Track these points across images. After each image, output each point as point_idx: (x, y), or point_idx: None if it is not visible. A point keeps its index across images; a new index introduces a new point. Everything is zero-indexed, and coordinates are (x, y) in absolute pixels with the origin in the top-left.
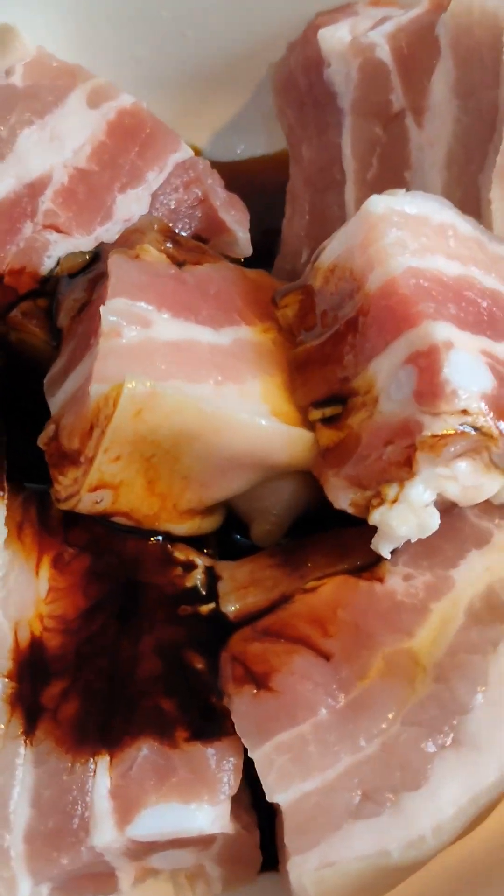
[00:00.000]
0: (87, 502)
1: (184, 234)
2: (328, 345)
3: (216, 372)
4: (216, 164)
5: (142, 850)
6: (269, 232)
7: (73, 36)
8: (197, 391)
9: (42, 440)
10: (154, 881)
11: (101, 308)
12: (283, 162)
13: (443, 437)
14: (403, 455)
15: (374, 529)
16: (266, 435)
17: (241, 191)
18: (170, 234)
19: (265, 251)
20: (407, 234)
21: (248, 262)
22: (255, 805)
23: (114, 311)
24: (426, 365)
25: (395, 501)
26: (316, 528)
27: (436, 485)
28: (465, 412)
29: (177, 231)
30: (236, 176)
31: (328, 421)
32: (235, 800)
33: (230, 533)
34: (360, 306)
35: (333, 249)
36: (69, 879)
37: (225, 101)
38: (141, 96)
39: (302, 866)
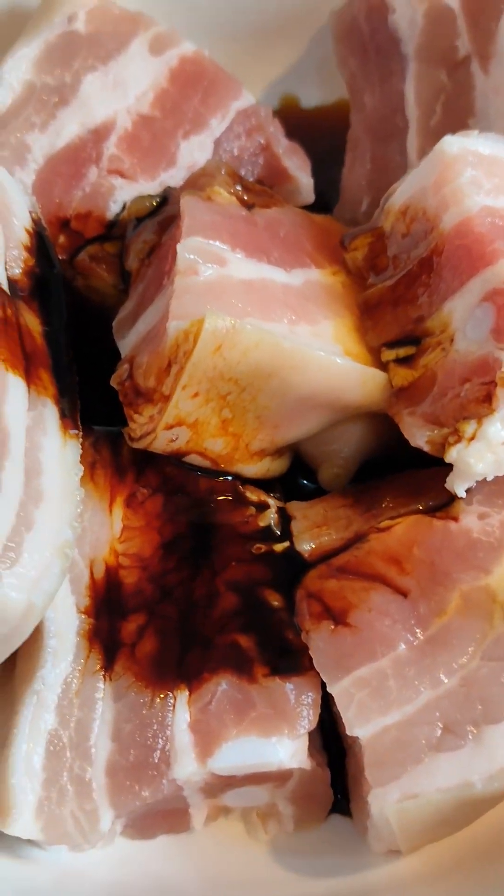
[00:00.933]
0: (163, 440)
1: (248, 180)
2: (400, 286)
3: (289, 312)
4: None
5: (219, 786)
6: (325, 181)
7: None
8: (273, 329)
9: (115, 380)
10: (225, 820)
11: (178, 246)
12: (339, 111)
13: None
14: (483, 391)
15: (445, 470)
16: (342, 373)
17: (298, 139)
18: (238, 178)
19: (321, 201)
20: (481, 174)
21: (306, 210)
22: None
23: (190, 249)
24: None
25: (472, 439)
26: (381, 474)
27: None
28: None
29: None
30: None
31: (402, 361)
32: (310, 738)
33: (296, 477)
34: (433, 246)
35: (405, 191)
36: (143, 817)
37: (280, 50)
38: (198, 44)
39: (384, 798)
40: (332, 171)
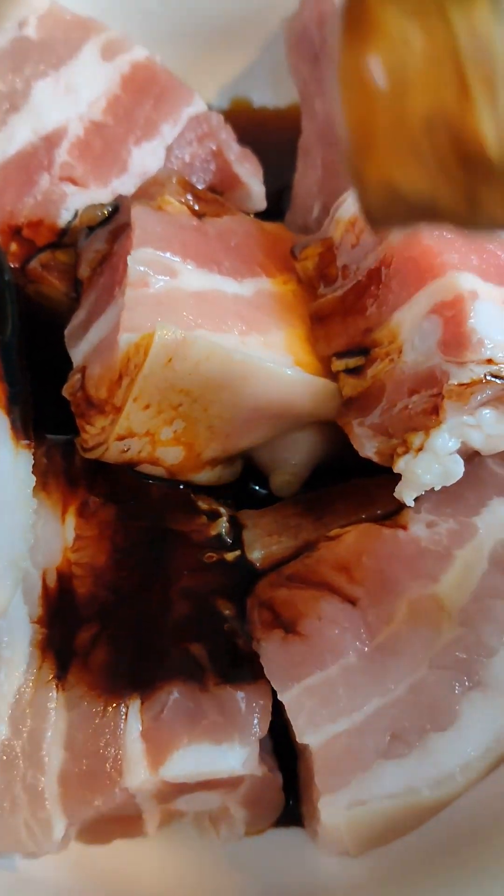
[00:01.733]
0: (115, 451)
1: (199, 186)
2: (350, 296)
3: (240, 323)
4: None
5: (171, 792)
6: (275, 186)
7: None
8: (224, 341)
9: (67, 390)
10: (179, 824)
11: (129, 257)
12: (291, 115)
13: (469, 385)
14: (430, 404)
15: (394, 479)
16: (292, 384)
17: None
18: (188, 187)
19: (271, 205)
20: None
21: (258, 216)
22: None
23: (141, 260)
24: (452, 315)
25: (420, 450)
26: (332, 480)
27: (460, 433)
28: (490, 361)
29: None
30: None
31: (351, 371)
32: (261, 743)
33: (247, 483)
34: (382, 257)
35: (354, 202)
36: (97, 822)
37: (233, 55)
38: (150, 49)
39: (333, 805)
40: (285, 174)
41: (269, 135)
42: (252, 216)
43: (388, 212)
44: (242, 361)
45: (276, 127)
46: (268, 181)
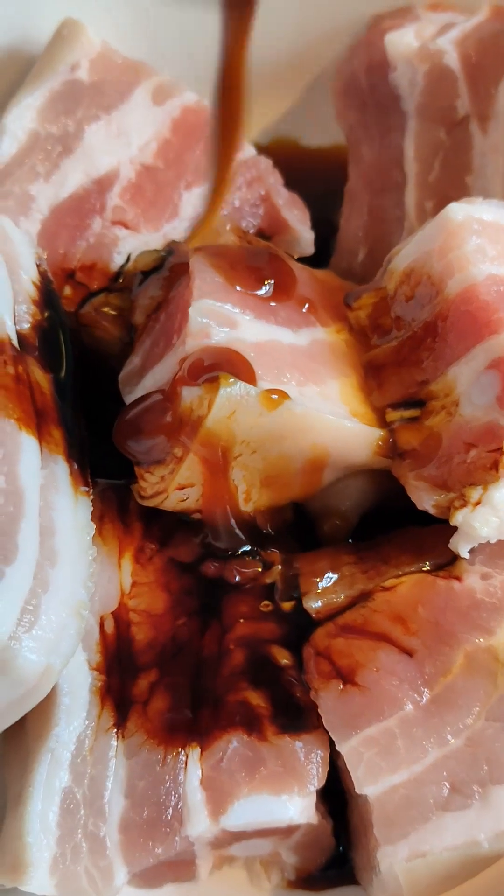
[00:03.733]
0: (174, 500)
1: (249, 231)
2: (405, 348)
3: (297, 373)
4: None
5: (227, 840)
6: (321, 222)
7: (132, 31)
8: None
9: None
10: (230, 868)
11: (190, 309)
12: (336, 154)
13: None
14: (489, 459)
15: (446, 528)
16: (350, 435)
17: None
18: (242, 234)
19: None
20: (486, 242)
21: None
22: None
23: (201, 312)
24: None
25: (478, 503)
26: (379, 525)
27: None
28: None
29: (241, 227)
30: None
31: (406, 423)
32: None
33: (297, 528)
34: (438, 311)
35: (409, 254)
36: (151, 867)
37: (278, 98)
38: (197, 92)
39: (393, 856)
40: (328, 212)
41: (314, 170)
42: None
43: None
44: (303, 414)
45: (321, 163)
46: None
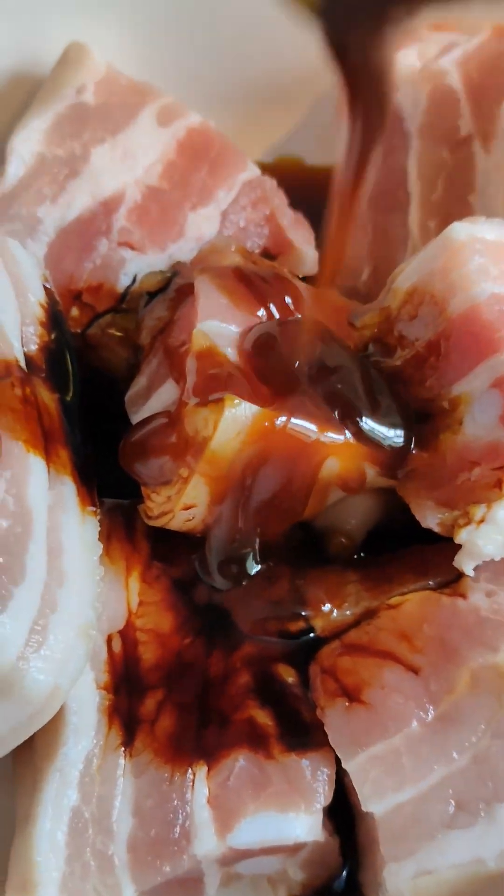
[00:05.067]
0: (180, 520)
1: (254, 251)
2: (408, 367)
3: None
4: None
5: (234, 857)
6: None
7: (136, 53)
8: None
9: None
10: (237, 884)
11: (195, 330)
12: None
13: None
14: (493, 477)
15: (451, 545)
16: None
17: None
18: (247, 256)
19: None
20: (488, 261)
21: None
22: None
23: (206, 332)
24: None
25: (482, 521)
26: (384, 543)
27: None
28: None
29: (246, 248)
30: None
31: None
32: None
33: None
34: (441, 330)
35: (411, 273)
36: (159, 885)
37: (281, 117)
38: (201, 112)
39: (399, 874)
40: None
41: (315, 190)
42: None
43: None
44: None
45: (321, 183)
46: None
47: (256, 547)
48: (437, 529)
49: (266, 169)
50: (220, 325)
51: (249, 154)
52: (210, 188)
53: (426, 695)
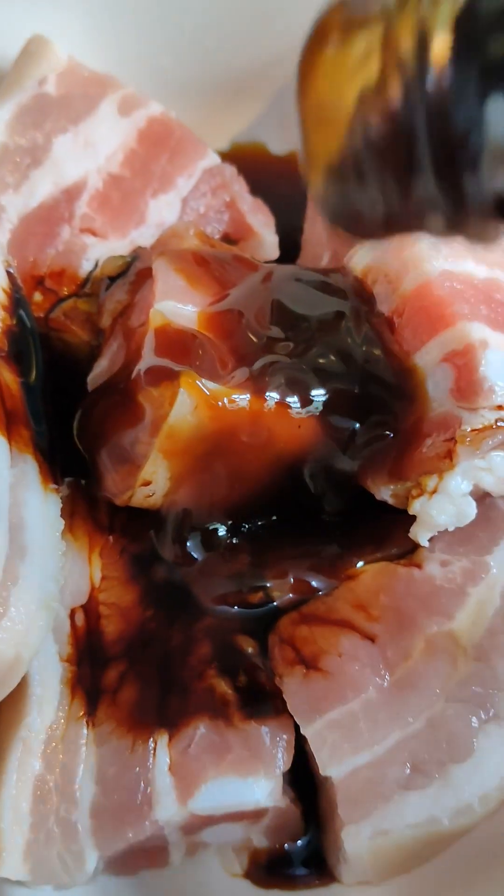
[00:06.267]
0: (140, 496)
1: (214, 236)
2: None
3: None
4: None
5: (197, 824)
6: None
7: (98, 45)
8: None
9: None
10: (203, 854)
11: (151, 310)
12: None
13: (481, 430)
14: (444, 448)
15: (408, 517)
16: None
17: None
18: (206, 239)
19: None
20: (439, 239)
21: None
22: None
23: (163, 311)
24: (463, 363)
25: (434, 492)
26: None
27: (473, 476)
28: (500, 407)
29: (206, 233)
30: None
31: None
32: (283, 776)
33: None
34: (394, 307)
35: (366, 253)
36: (124, 854)
37: (243, 108)
38: (163, 103)
39: (357, 835)
40: (294, 216)
41: (279, 175)
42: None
43: (347, 208)
44: (267, 409)
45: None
46: (278, 218)
47: (215, 521)
48: (390, 501)
49: (232, 153)
50: (176, 306)
51: (211, 144)
52: (170, 175)
53: (382, 661)
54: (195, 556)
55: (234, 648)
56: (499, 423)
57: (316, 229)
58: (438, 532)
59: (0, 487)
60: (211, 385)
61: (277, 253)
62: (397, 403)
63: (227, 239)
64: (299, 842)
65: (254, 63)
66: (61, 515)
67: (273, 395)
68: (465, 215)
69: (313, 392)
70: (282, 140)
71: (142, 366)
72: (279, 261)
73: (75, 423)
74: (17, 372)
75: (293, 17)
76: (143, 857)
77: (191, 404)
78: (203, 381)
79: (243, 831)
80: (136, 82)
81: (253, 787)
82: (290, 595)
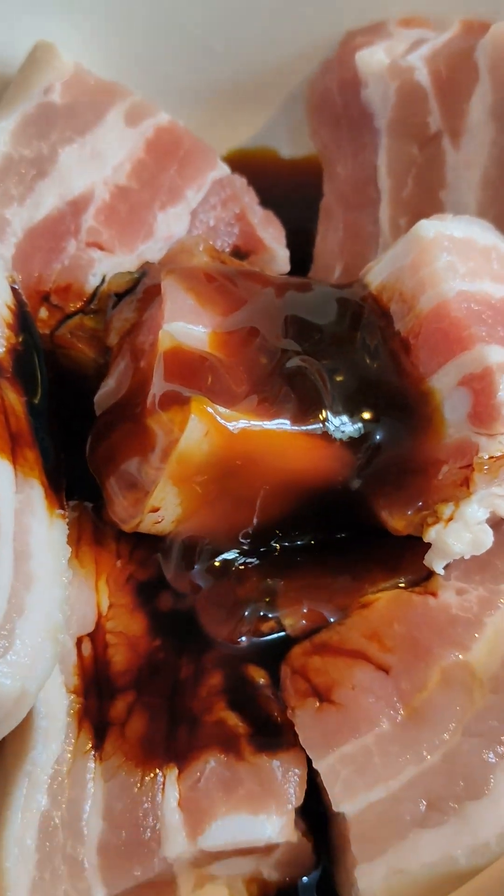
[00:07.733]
0: (148, 522)
1: (224, 250)
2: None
3: None
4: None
5: (206, 859)
6: (297, 232)
7: (105, 52)
8: None
9: None
10: (212, 886)
11: (161, 332)
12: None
13: (499, 458)
14: (460, 476)
15: (423, 545)
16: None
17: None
18: (216, 255)
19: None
20: (457, 258)
21: None
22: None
23: (173, 334)
24: (481, 387)
25: (450, 520)
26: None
27: (490, 503)
28: None
29: (216, 247)
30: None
31: None
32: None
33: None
34: (410, 327)
35: (381, 270)
36: (131, 889)
37: (251, 115)
38: (170, 111)
39: (371, 874)
40: (306, 221)
41: (290, 181)
42: None
43: None
44: (279, 433)
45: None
46: (287, 225)
47: (225, 548)
48: (404, 532)
49: (242, 160)
50: (186, 327)
51: (219, 150)
52: (179, 187)
53: (397, 694)
54: (201, 584)
55: (244, 679)
56: None
57: (327, 243)
58: (453, 560)
59: (5, 514)
60: (222, 410)
61: (288, 267)
62: (413, 428)
63: (237, 252)
64: (310, 875)
65: (262, 69)
66: (68, 542)
67: (285, 420)
68: None
69: (327, 416)
70: (292, 144)
71: (152, 391)
72: (292, 271)
73: (87, 447)
74: (22, 392)
75: (301, 24)
76: (151, 890)
77: (202, 430)
78: (214, 406)
79: (254, 864)
80: (142, 89)
81: (264, 823)
82: (303, 622)
